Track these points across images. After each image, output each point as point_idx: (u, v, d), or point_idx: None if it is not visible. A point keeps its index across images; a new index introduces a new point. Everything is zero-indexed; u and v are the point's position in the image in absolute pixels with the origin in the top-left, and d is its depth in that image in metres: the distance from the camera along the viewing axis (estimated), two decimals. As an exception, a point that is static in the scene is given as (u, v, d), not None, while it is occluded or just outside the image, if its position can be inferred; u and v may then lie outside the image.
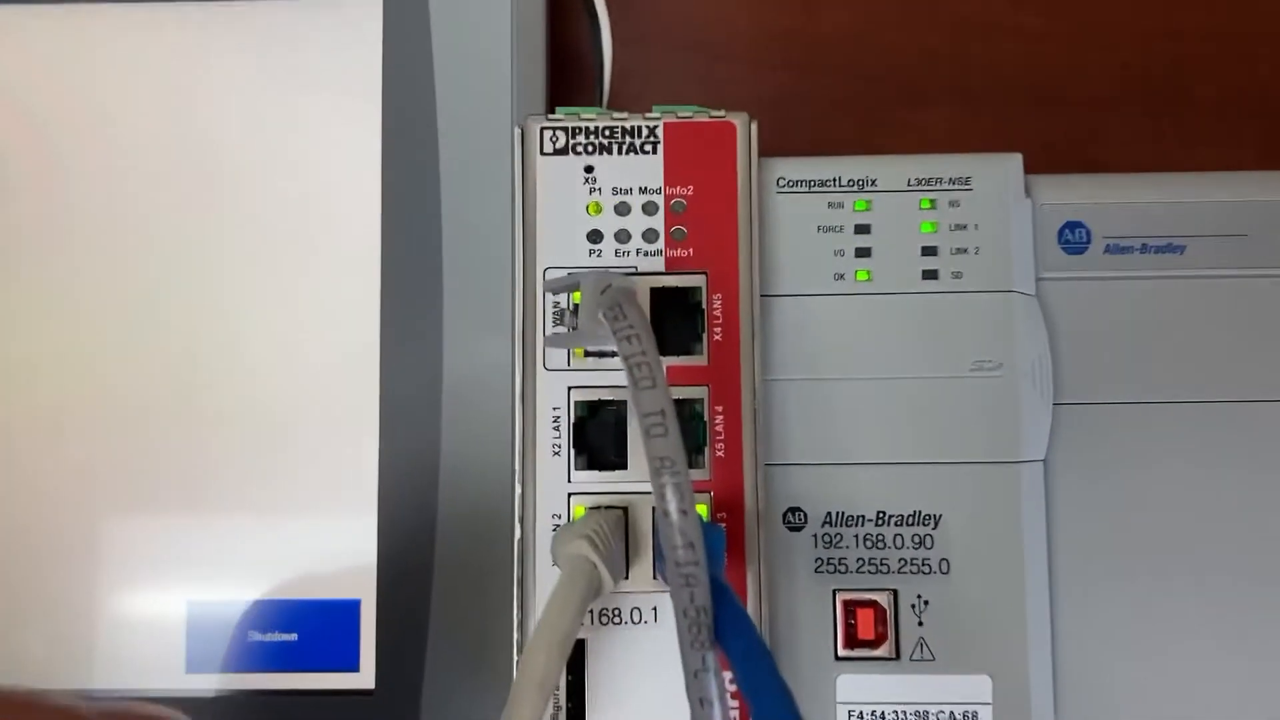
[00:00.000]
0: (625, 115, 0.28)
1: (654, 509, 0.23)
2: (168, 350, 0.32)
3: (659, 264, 0.28)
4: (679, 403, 0.27)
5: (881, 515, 0.28)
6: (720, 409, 0.27)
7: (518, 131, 0.28)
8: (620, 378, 0.27)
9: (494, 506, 0.31)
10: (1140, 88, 0.40)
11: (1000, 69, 0.40)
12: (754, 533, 0.27)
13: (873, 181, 0.29)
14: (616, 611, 0.27)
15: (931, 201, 0.29)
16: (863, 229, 0.29)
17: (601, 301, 0.23)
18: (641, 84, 0.40)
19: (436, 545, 0.31)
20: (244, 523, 0.31)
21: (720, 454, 0.27)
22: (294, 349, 0.32)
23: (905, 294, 0.29)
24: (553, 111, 0.29)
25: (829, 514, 0.28)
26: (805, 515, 0.28)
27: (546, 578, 0.27)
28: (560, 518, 0.27)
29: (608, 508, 0.27)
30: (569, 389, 0.27)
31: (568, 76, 0.38)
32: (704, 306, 0.27)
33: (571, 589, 0.23)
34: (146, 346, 0.32)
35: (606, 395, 0.27)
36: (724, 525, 0.27)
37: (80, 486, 0.31)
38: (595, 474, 0.27)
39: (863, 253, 0.29)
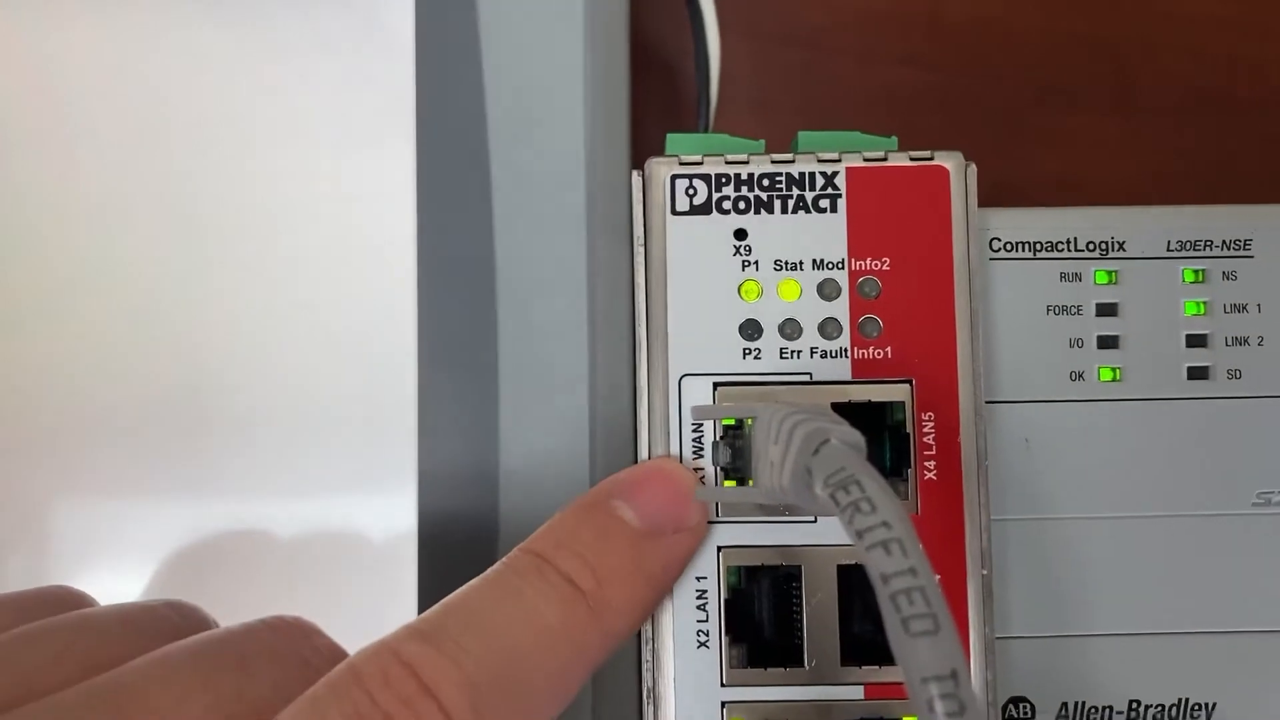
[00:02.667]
0: (789, 158, 0.20)
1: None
2: (185, 352, 0.26)
3: (843, 369, 0.19)
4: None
5: (1135, 706, 0.21)
6: (937, 578, 0.19)
7: (636, 179, 0.20)
8: (789, 531, 0.19)
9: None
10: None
11: (1171, 64, 0.32)
12: (985, 752, 0.19)
13: (1120, 244, 0.21)
14: None
15: (1199, 273, 0.21)
16: (1107, 310, 0.21)
17: (820, 467, 0.15)
18: (728, 83, 0.31)
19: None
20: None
21: (938, 644, 0.19)
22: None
23: (1166, 399, 0.21)
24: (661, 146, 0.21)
25: (1064, 706, 0.21)
26: (1032, 708, 0.21)
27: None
28: (711, 738, 0.19)
29: (784, 728, 0.19)
30: (718, 550, 0.19)
31: (644, 78, 0.29)
32: (910, 430, 0.19)
33: None
34: (162, 349, 0.26)
35: (770, 557, 0.19)
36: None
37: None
38: (758, 672, 0.19)
39: (1108, 343, 0.21)
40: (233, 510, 0.26)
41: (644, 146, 0.29)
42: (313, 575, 0.26)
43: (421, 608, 0.23)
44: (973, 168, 0.20)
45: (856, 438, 0.16)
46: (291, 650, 0.17)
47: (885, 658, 0.19)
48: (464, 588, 0.17)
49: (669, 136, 0.21)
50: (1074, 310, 0.21)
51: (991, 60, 0.32)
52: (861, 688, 0.19)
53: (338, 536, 0.26)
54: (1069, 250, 0.21)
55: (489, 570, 0.17)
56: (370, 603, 0.26)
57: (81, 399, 0.26)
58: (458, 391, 0.26)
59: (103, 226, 0.26)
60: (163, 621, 0.18)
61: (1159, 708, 0.21)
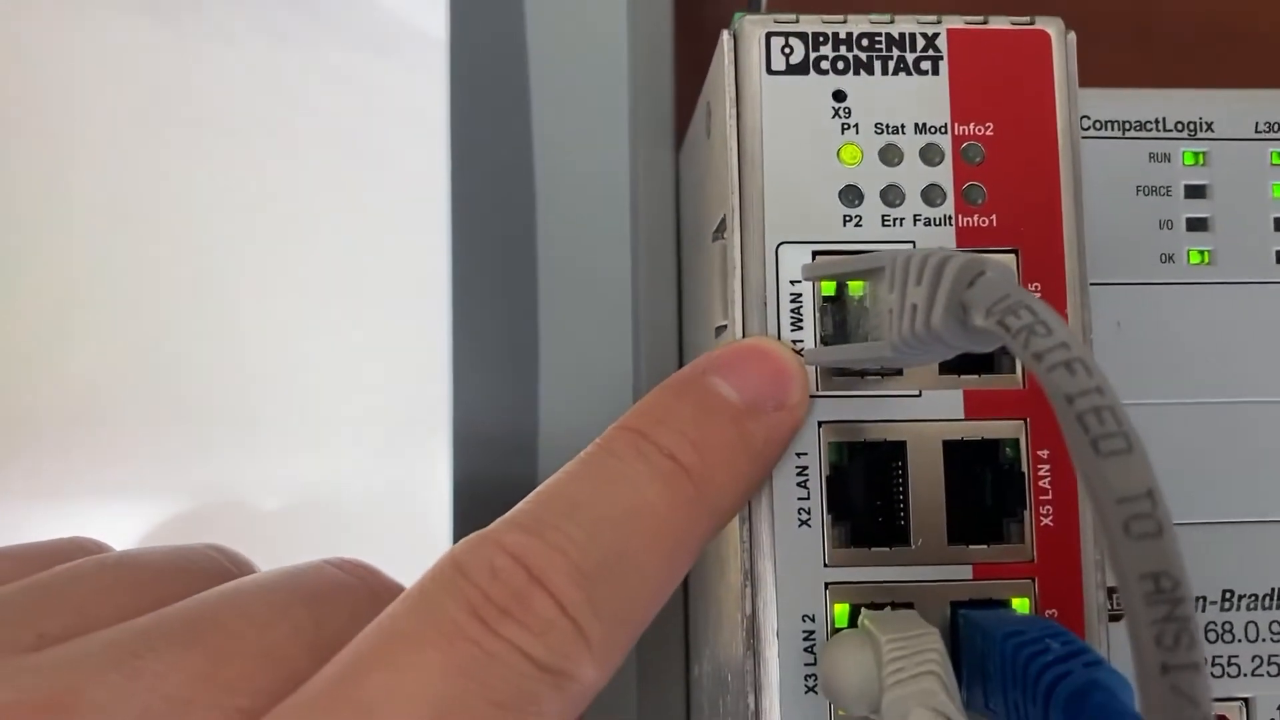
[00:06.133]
0: (888, 18, 0.19)
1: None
2: (213, 313, 0.25)
3: (947, 237, 0.19)
4: (984, 445, 0.18)
5: (1229, 595, 0.20)
6: (1045, 453, 0.18)
7: (727, 39, 0.19)
8: (892, 406, 0.18)
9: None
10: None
11: None
12: (1096, 633, 0.18)
13: (1208, 125, 0.21)
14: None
15: (1287, 154, 0.21)
16: (1196, 191, 0.20)
17: (979, 298, 0.14)
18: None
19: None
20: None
21: (1048, 521, 0.18)
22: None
23: (1255, 284, 0.20)
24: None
25: (1158, 596, 0.20)
26: (1127, 598, 0.20)
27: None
28: (814, 622, 0.18)
29: (892, 607, 0.18)
30: (819, 425, 0.18)
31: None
32: (1015, 302, 0.18)
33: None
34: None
35: (873, 433, 0.18)
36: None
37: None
38: (862, 552, 0.18)
39: (1197, 225, 0.20)
40: (265, 474, 0.25)
41: (684, 62, 0.28)
42: (345, 541, 0.25)
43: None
44: (1072, 35, 0.19)
45: (1008, 267, 0.15)
46: (361, 583, 0.16)
47: (994, 536, 0.18)
48: (556, 474, 0.16)
49: (735, 15, 0.20)
50: (1163, 191, 0.20)
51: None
52: (970, 567, 0.18)
53: (370, 501, 0.25)
54: (1157, 130, 0.20)
55: (582, 453, 0.16)
56: (404, 569, 0.25)
57: (122, 374, 0.24)
58: (494, 348, 0.25)
59: (126, 223, 0.25)
60: (209, 561, 0.17)
61: (1252, 597, 0.20)
